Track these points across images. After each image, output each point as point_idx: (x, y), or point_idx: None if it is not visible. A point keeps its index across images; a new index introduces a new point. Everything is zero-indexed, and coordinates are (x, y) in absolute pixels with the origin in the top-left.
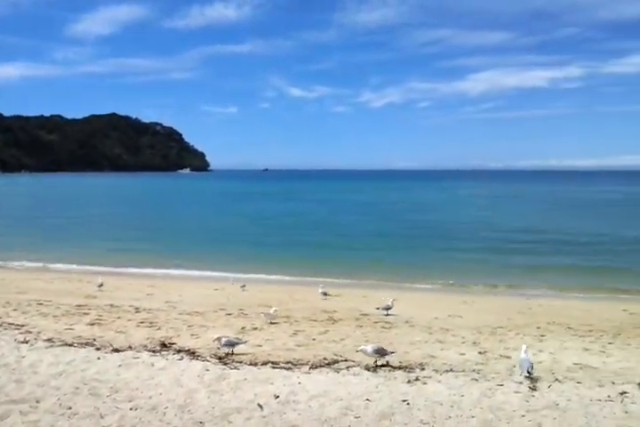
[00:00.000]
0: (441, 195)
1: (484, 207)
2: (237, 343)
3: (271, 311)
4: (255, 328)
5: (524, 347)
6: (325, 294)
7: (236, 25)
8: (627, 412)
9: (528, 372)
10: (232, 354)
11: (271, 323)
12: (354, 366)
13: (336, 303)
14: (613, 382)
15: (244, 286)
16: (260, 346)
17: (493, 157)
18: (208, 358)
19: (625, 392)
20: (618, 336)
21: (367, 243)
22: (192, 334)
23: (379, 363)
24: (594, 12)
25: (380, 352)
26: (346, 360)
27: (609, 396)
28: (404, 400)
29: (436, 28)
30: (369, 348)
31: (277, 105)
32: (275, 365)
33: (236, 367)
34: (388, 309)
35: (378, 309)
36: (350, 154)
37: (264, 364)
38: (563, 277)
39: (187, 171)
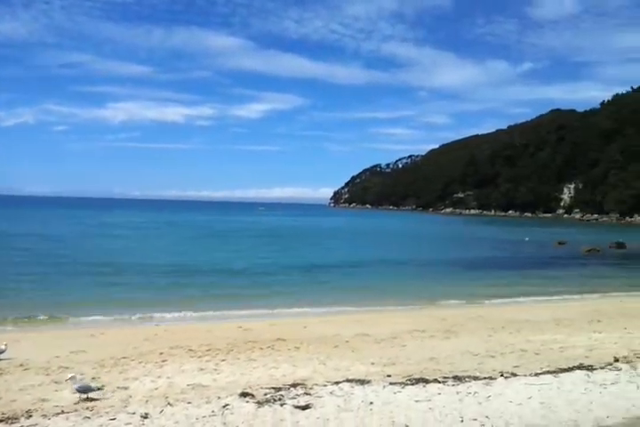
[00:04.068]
0: (76, 225)
1: (124, 238)
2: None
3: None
4: None
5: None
6: None
7: None
8: (225, 423)
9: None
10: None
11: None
12: None
13: None
14: (219, 397)
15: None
16: None
17: (135, 186)
18: None
19: (227, 405)
20: (230, 352)
21: None
22: None
23: None
24: (224, 61)
25: None
26: None
27: (213, 411)
28: None
29: (74, 52)
30: None
31: None
32: None
33: None
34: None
35: None
36: None
37: None
38: (188, 302)
39: None
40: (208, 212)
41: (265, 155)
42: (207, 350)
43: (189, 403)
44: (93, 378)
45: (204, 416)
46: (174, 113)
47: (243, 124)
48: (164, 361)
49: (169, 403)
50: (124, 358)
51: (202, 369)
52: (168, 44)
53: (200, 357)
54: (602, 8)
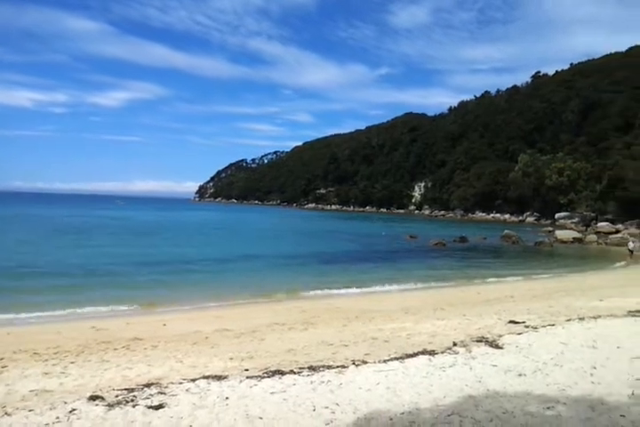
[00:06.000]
0: None
1: None
2: None
3: None
4: None
5: None
6: None
7: None
8: None
9: None
10: None
11: None
12: None
13: None
14: (65, 402)
15: None
16: None
17: None
18: None
19: (74, 409)
20: (81, 354)
21: None
22: None
23: None
24: (81, 45)
25: None
26: None
27: (58, 417)
28: None
29: None
30: None
31: None
32: None
33: None
34: None
35: None
36: None
37: None
38: (33, 303)
39: None
40: (60, 205)
41: (125, 146)
42: (55, 353)
43: (31, 411)
44: None
45: (46, 424)
46: (22, 97)
47: (101, 112)
48: (3, 367)
49: (6, 413)
50: None
51: (47, 373)
52: (18, 24)
53: (46, 360)
54: (450, 21)
